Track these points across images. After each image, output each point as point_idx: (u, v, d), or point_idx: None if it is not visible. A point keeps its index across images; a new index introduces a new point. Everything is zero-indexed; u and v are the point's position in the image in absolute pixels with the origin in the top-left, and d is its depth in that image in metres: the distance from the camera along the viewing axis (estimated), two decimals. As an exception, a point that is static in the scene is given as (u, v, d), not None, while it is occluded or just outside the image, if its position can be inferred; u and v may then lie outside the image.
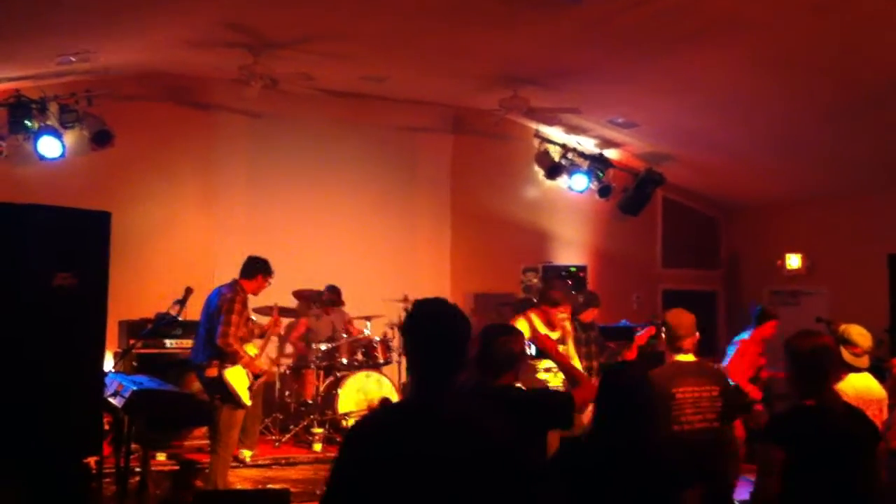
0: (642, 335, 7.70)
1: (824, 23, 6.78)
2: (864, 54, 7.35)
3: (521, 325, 6.05)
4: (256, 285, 7.43)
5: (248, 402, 7.19)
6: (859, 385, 4.82)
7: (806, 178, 10.81)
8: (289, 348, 9.63)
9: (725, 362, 8.14)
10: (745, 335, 8.26)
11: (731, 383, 7.74)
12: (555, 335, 6.05)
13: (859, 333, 4.99)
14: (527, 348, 4.76)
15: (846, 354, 4.88)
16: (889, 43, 7.05)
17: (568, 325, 6.48)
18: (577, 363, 6.22)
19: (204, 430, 7.87)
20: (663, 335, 4.97)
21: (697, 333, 4.91)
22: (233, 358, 7.10)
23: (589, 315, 8.04)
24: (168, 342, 8.37)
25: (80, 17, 7.01)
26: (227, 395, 7.07)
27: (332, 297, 9.41)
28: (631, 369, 4.21)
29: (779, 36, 7.22)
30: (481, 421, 2.76)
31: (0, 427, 4.36)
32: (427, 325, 2.80)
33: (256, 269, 7.41)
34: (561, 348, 5.73)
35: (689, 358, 4.84)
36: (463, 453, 2.61)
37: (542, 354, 5.10)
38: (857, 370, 4.90)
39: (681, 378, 4.71)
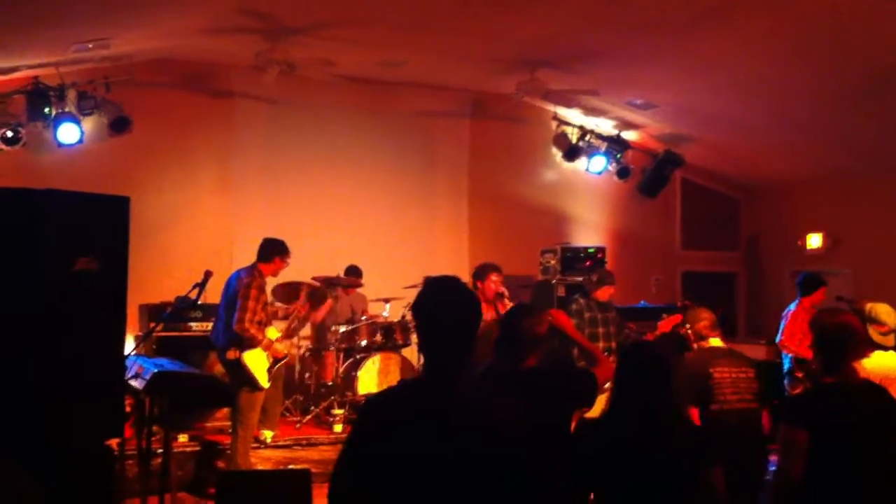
0: (666, 322, 7.63)
1: (847, 1, 6.70)
2: (888, 32, 7.26)
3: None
4: (275, 267, 7.47)
5: (266, 385, 7.23)
6: (883, 363, 4.82)
7: (827, 157, 10.72)
8: (306, 331, 9.66)
9: (779, 337, 8.09)
10: (793, 307, 8.18)
11: (788, 356, 7.84)
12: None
13: (886, 312, 5.03)
14: None
15: (873, 333, 4.90)
16: (912, 21, 6.96)
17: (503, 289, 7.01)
18: None
19: (226, 411, 7.93)
20: (689, 331, 5.15)
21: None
22: (251, 342, 7.14)
23: (604, 293, 7.94)
24: (188, 325, 8.44)
25: (98, 5, 7.04)
26: (245, 377, 7.12)
27: (352, 280, 9.40)
28: (652, 345, 4.24)
29: (800, 14, 7.14)
30: (487, 400, 2.77)
31: (22, 411, 4.40)
32: (436, 303, 2.80)
33: (273, 251, 7.44)
34: None
35: (719, 343, 5.05)
36: (467, 431, 2.61)
37: None
38: (884, 349, 4.91)
39: (716, 360, 4.88)
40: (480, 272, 7.17)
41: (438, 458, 2.58)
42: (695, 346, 5.28)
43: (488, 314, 6.60)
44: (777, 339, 8.14)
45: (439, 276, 2.90)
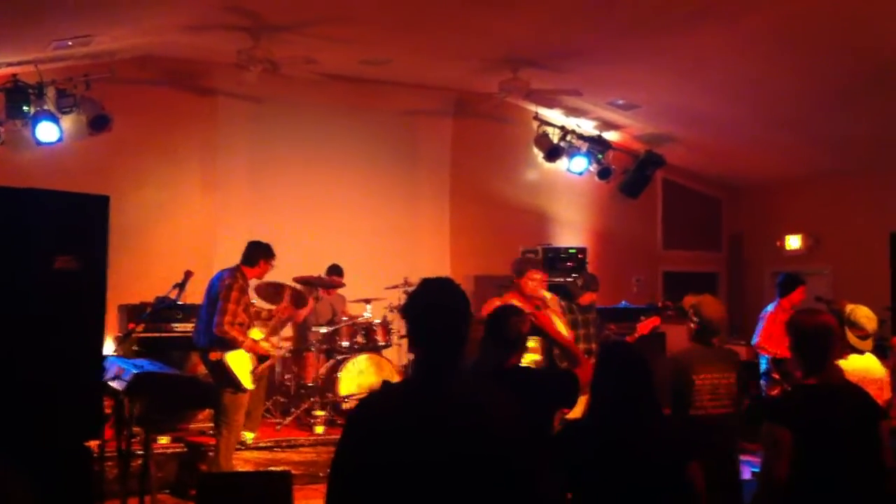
0: (645, 324, 7.64)
1: (828, 2, 6.74)
2: (871, 32, 7.31)
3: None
4: (259, 271, 7.42)
5: (251, 386, 7.18)
6: (859, 365, 4.80)
7: (809, 156, 10.79)
8: (287, 331, 9.62)
9: (755, 339, 8.07)
10: (771, 307, 8.17)
11: (765, 357, 7.81)
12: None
13: (866, 316, 4.95)
14: None
15: (851, 337, 4.86)
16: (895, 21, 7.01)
17: (546, 293, 6.46)
18: (563, 329, 6.13)
19: (207, 412, 7.88)
20: (692, 325, 4.92)
21: None
22: (232, 344, 7.10)
23: (587, 298, 7.97)
24: (169, 325, 8.37)
25: (78, 1, 6.97)
26: (228, 379, 7.07)
27: (334, 280, 9.35)
28: (627, 345, 4.24)
29: (782, 14, 7.18)
30: (483, 400, 2.75)
31: (0, 412, 4.35)
32: (427, 304, 2.79)
33: (258, 254, 7.39)
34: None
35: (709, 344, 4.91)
36: (464, 432, 2.60)
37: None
38: (860, 352, 4.89)
39: (700, 365, 4.73)
40: (520, 267, 6.54)
41: (434, 460, 2.57)
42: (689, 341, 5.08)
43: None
44: (753, 341, 8.13)
45: (433, 277, 2.88)
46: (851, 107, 8.97)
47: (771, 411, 3.85)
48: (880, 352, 5.20)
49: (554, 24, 7.99)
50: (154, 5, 7.48)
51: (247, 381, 7.12)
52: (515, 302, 6.10)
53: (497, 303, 6.03)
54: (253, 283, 7.71)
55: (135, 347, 7.95)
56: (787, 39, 7.73)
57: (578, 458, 3.53)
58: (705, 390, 4.74)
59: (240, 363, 7.11)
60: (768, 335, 7.91)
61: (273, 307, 8.06)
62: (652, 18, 7.51)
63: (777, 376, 7.69)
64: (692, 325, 4.91)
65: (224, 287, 7.13)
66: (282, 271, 8.11)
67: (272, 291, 8.31)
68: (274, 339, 7.99)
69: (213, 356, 7.11)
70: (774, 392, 7.51)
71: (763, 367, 8.06)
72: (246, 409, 7.30)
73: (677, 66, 8.84)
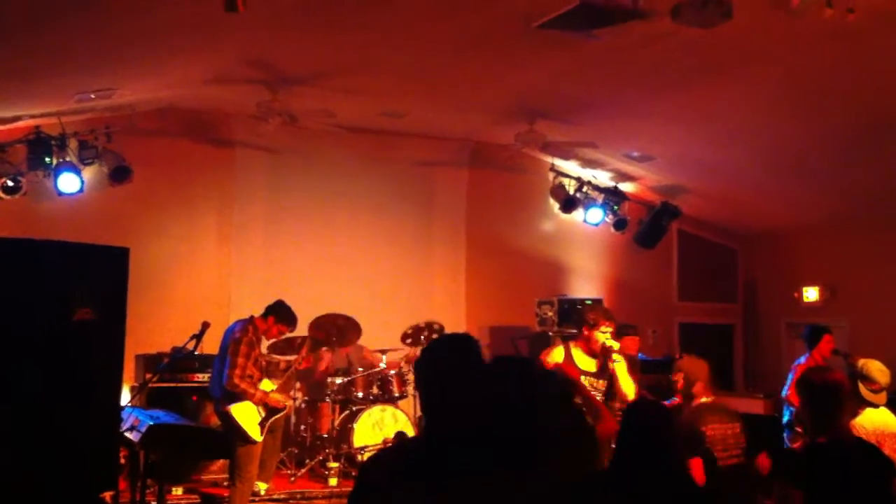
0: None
1: (839, 52, 6.79)
2: (880, 83, 7.34)
3: (557, 352, 6.03)
4: (266, 328, 7.41)
5: (259, 438, 7.14)
6: (877, 420, 4.79)
7: (822, 206, 10.78)
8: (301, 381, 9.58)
9: (785, 391, 8.02)
10: (802, 359, 8.15)
11: (789, 409, 7.77)
12: (590, 365, 5.99)
13: (879, 370, 4.95)
14: None
15: (864, 391, 4.85)
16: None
17: (614, 343, 6.01)
18: (629, 388, 5.88)
19: (221, 463, 7.87)
20: (678, 384, 5.20)
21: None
22: (242, 397, 7.09)
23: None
24: (185, 375, 8.39)
25: (101, 56, 7.12)
26: (235, 430, 7.04)
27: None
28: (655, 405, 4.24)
29: (794, 66, 7.24)
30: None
31: (17, 461, 4.37)
32: (429, 363, 2.80)
33: (271, 312, 7.41)
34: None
35: (709, 398, 5.04)
36: (472, 488, 2.59)
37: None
38: (875, 406, 4.87)
39: (707, 417, 4.84)
40: (593, 318, 6.08)
41: None
42: (686, 401, 5.23)
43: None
44: (784, 393, 8.09)
45: (447, 334, 2.90)
46: (862, 156, 8.98)
47: (783, 470, 3.84)
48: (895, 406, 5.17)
49: (567, 78, 8.07)
50: (175, 59, 7.62)
51: (254, 433, 7.08)
52: (575, 350, 6.05)
53: (554, 353, 6.00)
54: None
55: (151, 397, 7.96)
56: (796, 90, 7.78)
57: None
58: (717, 440, 4.81)
59: (246, 415, 7.08)
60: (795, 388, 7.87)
61: (291, 358, 8.06)
62: (662, 72, 7.59)
63: (800, 429, 7.63)
64: (678, 384, 5.19)
65: (233, 340, 7.15)
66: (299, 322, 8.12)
67: (288, 343, 8.33)
68: (287, 392, 7.97)
69: (222, 407, 7.12)
70: (797, 445, 7.46)
71: (786, 418, 8.00)
72: (259, 460, 7.27)
73: (689, 118, 8.90)
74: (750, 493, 4.95)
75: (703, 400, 5.12)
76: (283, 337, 8.00)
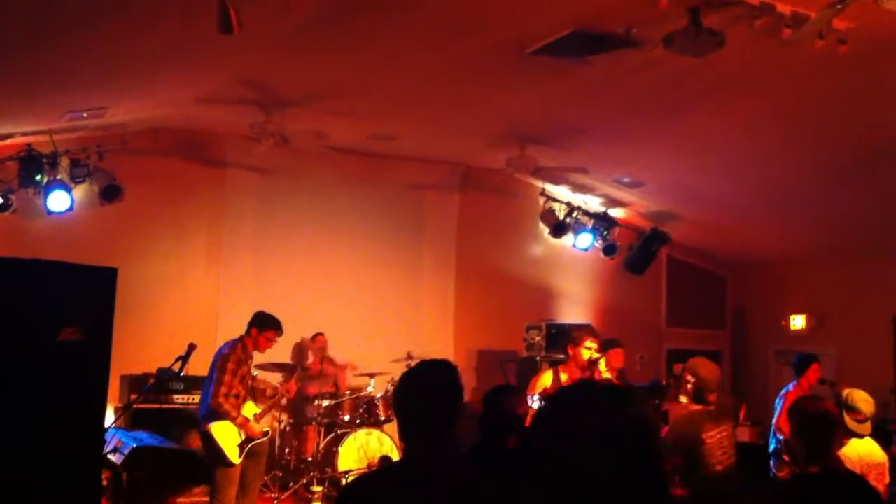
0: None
1: (828, 84, 6.86)
2: (869, 114, 7.42)
3: (546, 377, 6.08)
4: (253, 341, 7.29)
5: (237, 461, 6.97)
6: (862, 450, 4.79)
7: (810, 236, 10.84)
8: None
9: (775, 419, 8.04)
10: (790, 387, 8.16)
11: (776, 437, 7.77)
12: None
13: (863, 399, 4.95)
14: (532, 402, 4.89)
15: (849, 421, 4.85)
16: (894, 102, 7.11)
17: (601, 363, 6.18)
18: None
19: (203, 486, 7.78)
20: (689, 385, 5.00)
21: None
22: (223, 416, 6.98)
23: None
24: (170, 397, 8.33)
25: (94, 75, 7.12)
26: (214, 451, 6.93)
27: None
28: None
29: (785, 97, 7.30)
30: (468, 482, 2.74)
31: (0, 482, 4.34)
32: (409, 391, 2.80)
33: (250, 324, 7.28)
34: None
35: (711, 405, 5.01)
36: None
37: None
38: (860, 436, 4.87)
39: (704, 423, 4.84)
40: (576, 337, 6.28)
41: None
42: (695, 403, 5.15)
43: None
44: (773, 421, 8.10)
45: (426, 360, 2.90)
46: (852, 188, 9.05)
47: (772, 500, 3.82)
48: (883, 436, 5.17)
49: (559, 103, 8.12)
50: (168, 78, 7.62)
51: (233, 455, 6.92)
52: (563, 375, 6.07)
53: (542, 379, 6.02)
54: (266, 357, 7.65)
55: (135, 419, 7.89)
56: (787, 121, 7.85)
57: None
58: (715, 446, 4.83)
59: (226, 435, 6.93)
60: (784, 416, 7.88)
61: (278, 385, 7.99)
62: (654, 99, 7.64)
63: (787, 458, 7.62)
64: (688, 386, 4.99)
65: (220, 358, 7.06)
66: (285, 343, 8.09)
67: (282, 367, 8.28)
68: (268, 416, 7.90)
69: (204, 427, 7.01)
70: (783, 474, 7.44)
71: (772, 446, 8.00)
72: (243, 484, 7.15)
73: (681, 146, 8.95)
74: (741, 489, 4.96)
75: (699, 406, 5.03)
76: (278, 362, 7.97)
